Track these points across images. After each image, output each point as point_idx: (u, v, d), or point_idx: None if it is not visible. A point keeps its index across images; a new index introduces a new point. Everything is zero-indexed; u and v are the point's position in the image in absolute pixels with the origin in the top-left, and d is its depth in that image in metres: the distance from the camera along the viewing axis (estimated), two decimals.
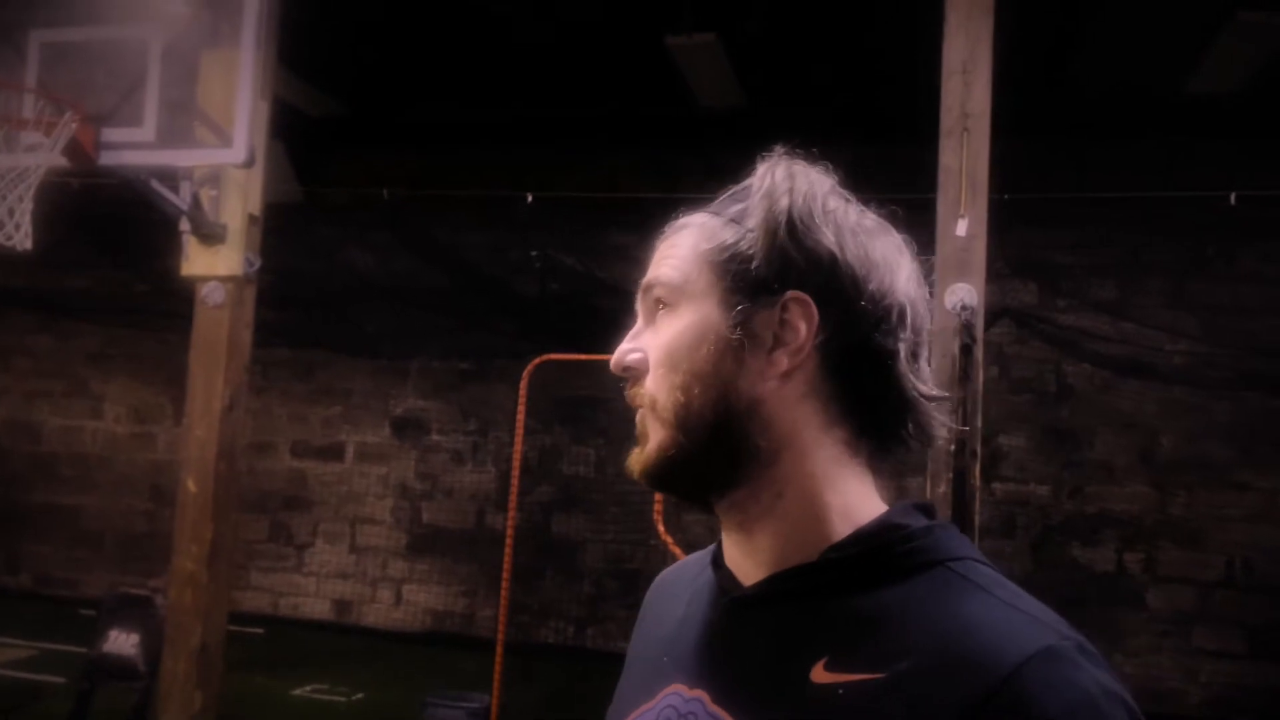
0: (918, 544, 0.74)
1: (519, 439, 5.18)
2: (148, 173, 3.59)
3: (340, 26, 6.03)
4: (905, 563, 0.73)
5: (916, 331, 0.79)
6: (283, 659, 7.19)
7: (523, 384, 5.14)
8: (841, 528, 0.76)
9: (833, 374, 0.77)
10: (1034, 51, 5.60)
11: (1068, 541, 7.15)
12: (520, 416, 5.15)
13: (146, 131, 3.42)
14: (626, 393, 0.83)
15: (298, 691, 6.44)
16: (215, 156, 3.56)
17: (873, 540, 0.75)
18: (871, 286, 0.77)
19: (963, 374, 3.27)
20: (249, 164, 3.50)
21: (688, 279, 0.80)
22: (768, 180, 0.80)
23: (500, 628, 5.05)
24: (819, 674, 0.70)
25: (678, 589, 0.92)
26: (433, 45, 6.45)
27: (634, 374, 0.82)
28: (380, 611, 8.33)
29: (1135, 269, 7.12)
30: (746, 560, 0.80)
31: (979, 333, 3.31)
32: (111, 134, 3.42)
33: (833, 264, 0.77)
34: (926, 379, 0.79)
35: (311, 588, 8.53)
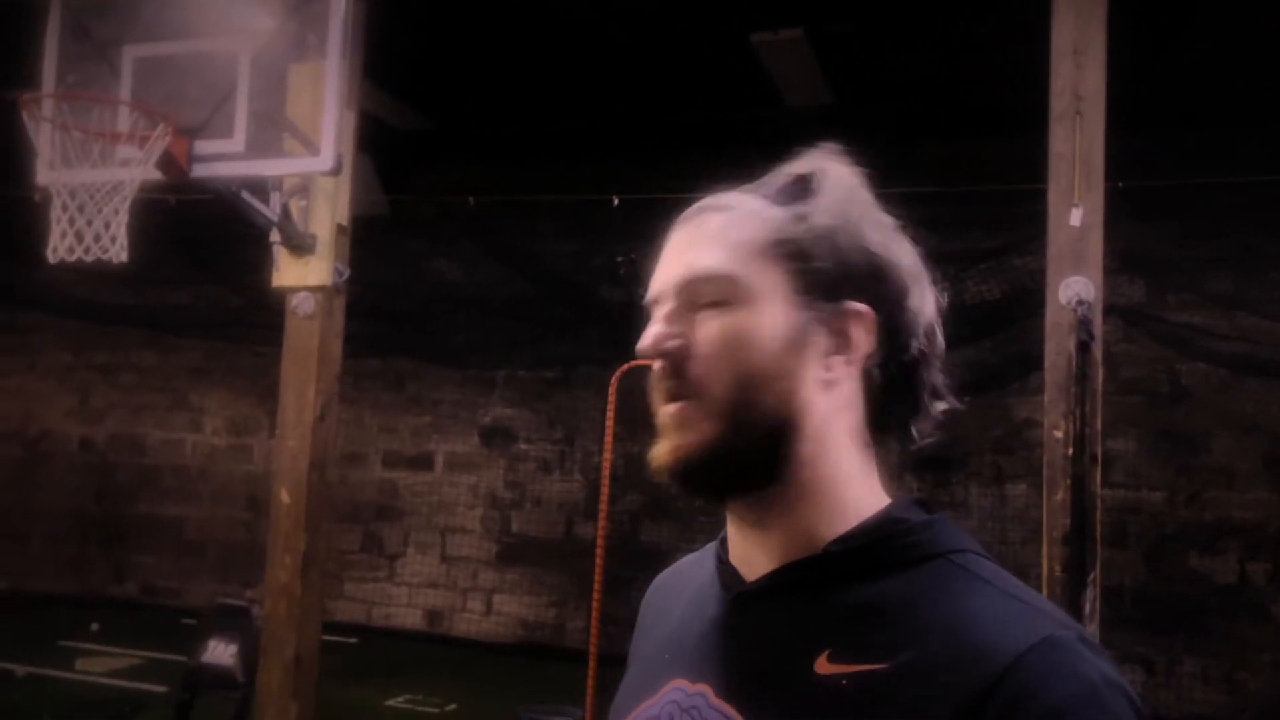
0: (919, 537, 0.75)
1: (608, 447, 5.10)
2: (238, 184, 3.61)
3: (424, 39, 6.06)
4: (907, 555, 0.74)
5: (939, 349, 0.81)
6: (376, 669, 7.24)
7: (611, 391, 5.06)
8: (846, 524, 0.77)
9: (869, 382, 0.79)
10: (1143, 34, 5.32)
11: (1185, 550, 6.78)
12: (609, 425, 5.07)
13: (236, 143, 3.44)
14: (660, 379, 0.79)
15: (391, 702, 6.46)
16: (303, 165, 3.56)
17: (874, 533, 0.76)
18: (910, 301, 0.78)
19: (1079, 372, 3.07)
20: (336, 172, 3.49)
21: (750, 273, 0.78)
22: (836, 181, 0.79)
23: (593, 638, 4.96)
24: (823, 666, 0.71)
25: (677, 588, 0.92)
26: (515, 54, 6.44)
27: (671, 360, 0.79)
28: (471, 621, 8.34)
29: (1252, 261, 6.72)
30: (755, 555, 0.80)
31: (1097, 329, 3.10)
32: (203, 146, 3.44)
33: (886, 276, 0.78)
34: (944, 388, 0.81)
35: (403, 597, 8.60)
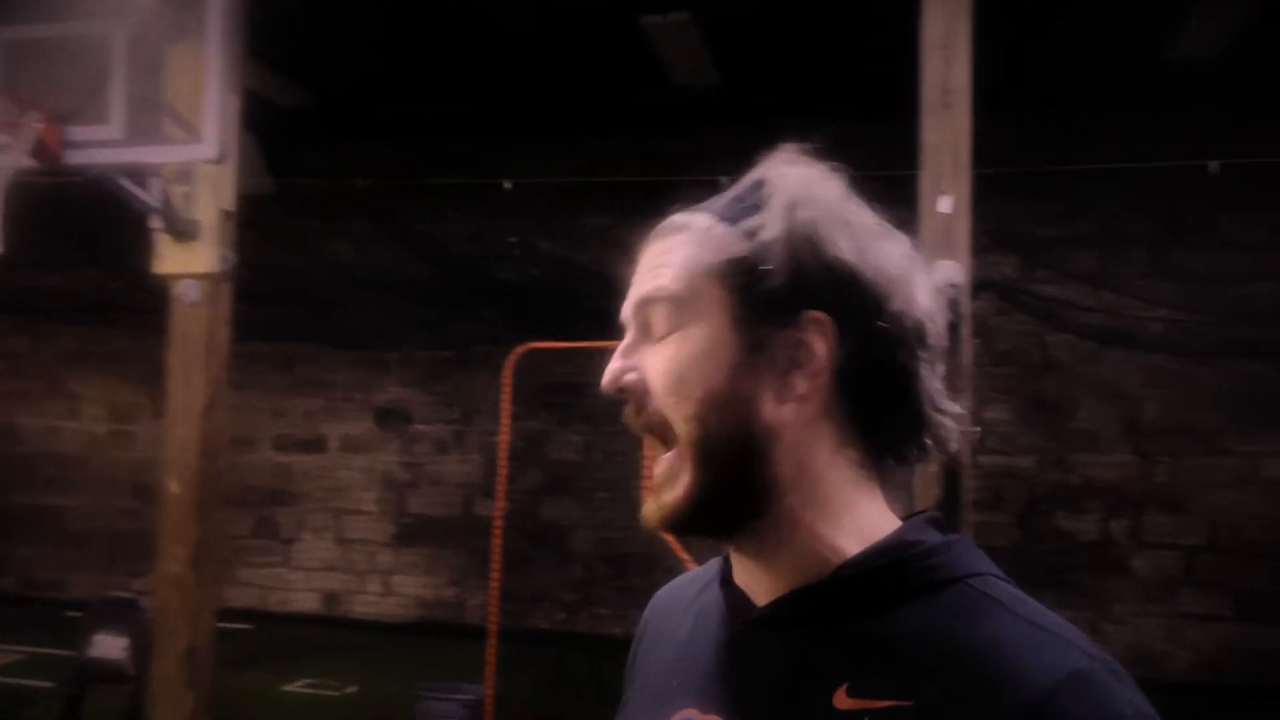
0: (936, 560, 0.71)
1: (505, 426, 5.15)
2: (117, 170, 3.51)
3: (311, 14, 5.93)
4: (923, 580, 0.70)
5: (934, 348, 0.75)
6: (274, 655, 7.16)
7: (507, 372, 5.11)
8: (853, 546, 0.73)
9: (849, 395, 0.73)
10: (1013, 23, 5.57)
11: (1054, 512, 7.19)
12: (506, 404, 5.12)
13: (114, 129, 3.34)
14: (627, 416, 0.77)
15: (290, 687, 6.42)
16: (186, 153, 3.49)
17: (887, 557, 0.72)
18: (891, 305, 0.72)
19: (949, 351, 3.26)
20: (220, 160, 3.43)
21: (695, 294, 0.74)
22: (783, 187, 0.75)
23: (493, 615, 5.03)
24: (842, 700, 0.68)
25: (679, 607, 0.88)
26: (406, 33, 6.36)
27: (631, 396, 0.77)
28: (369, 603, 8.30)
29: (1115, 239, 7.13)
30: (760, 581, 0.77)
31: (965, 309, 3.29)
32: (78, 133, 3.34)
33: (854, 282, 0.72)
34: (943, 394, 0.75)
35: (300, 581, 8.50)
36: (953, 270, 3.32)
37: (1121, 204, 6.97)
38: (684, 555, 4.70)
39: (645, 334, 0.77)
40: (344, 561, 8.41)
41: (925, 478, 3.25)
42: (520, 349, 5.18)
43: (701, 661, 0.79)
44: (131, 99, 3.42)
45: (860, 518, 0.74)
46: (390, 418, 8.44)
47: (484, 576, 7.66)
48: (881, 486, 0.76)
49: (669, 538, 4.93)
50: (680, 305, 0.75)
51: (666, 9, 5.66)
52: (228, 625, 5.91)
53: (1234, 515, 6.90)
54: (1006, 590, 0.70)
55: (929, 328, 0.74)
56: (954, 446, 0.77)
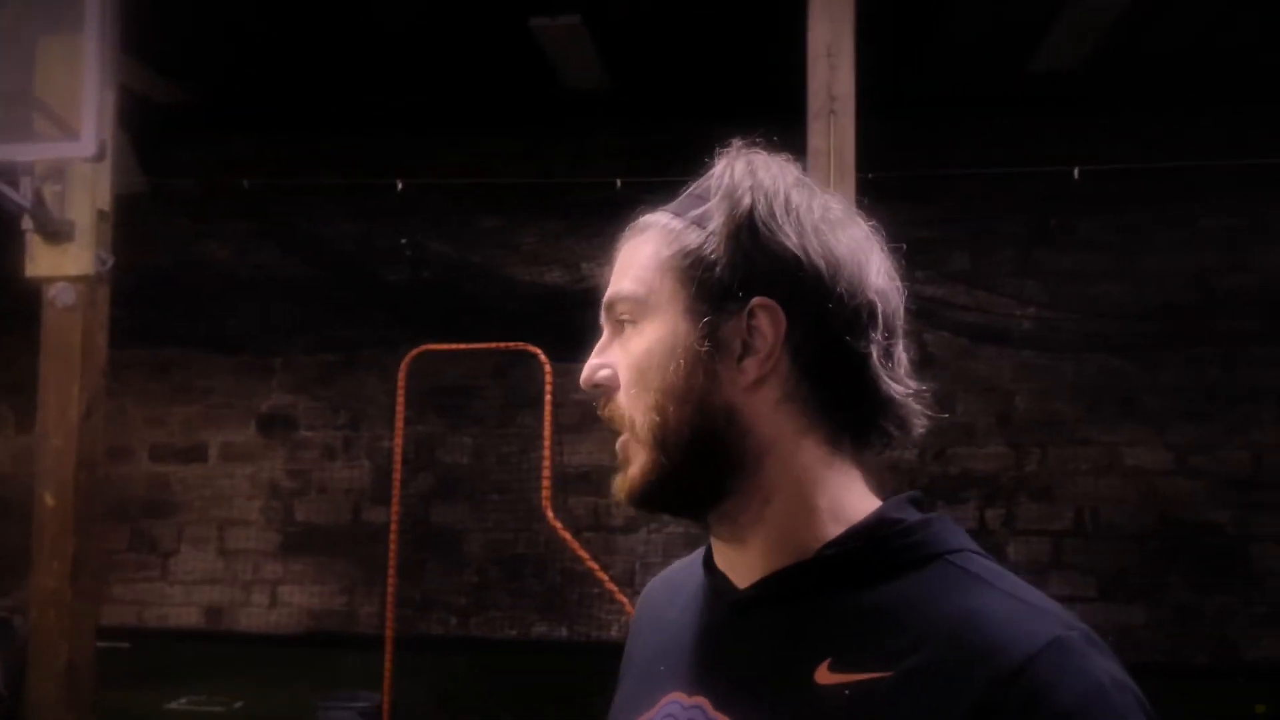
0: (916, 538, 0.73)
1: (399, 430, 5.08)
2: None
3: (185, 8, 5.73)
4: (904, 557, 0.72)
5: (889, 328, 0.76)
6: (153, 672, 6.88)
7: (401, 374, 5.05)
8: (834, 526, 0.75)
9: (807, 377, 0.75)
10: (892, 33, 5.79)
11: (933, 502, 7.48)
12: (400, 408, 5.06)
13: None
14: (600, 411, 0.80)
15: (172, 704, 6.18)
16: (61, 150, 3.34)
17: (869, 535, 0.74)
18: (840, 287, 0.74)
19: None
20: (99, 158, 3.30)
21: (651, 290, 0.78)
22: (727, 178, 0.77)
23: (389, 623, 4.96)
24: (823, 675, 0.69)
25: (668, 595, 0.90)
26: (286, 26, 6.21)
27: (604, 391, 0.80)
28: (255, 615, 8.05)
29: (986, 240, 7.47)
30: (740, 563, 0.79)
31: None
32: None
33: (797, 266, 0.74)
34: (901, 375, 0.77)
35: (179, 596, 8.18)
36: None
37: (992, 206, 7.31)
38: (583, 554, 4.73)
39: (616, 333, 0.81)
40: (227, 574, 8.13)
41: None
42: (413, 351, 5.12)
43: (687, 645, 0.80)
44: (1, 93, 3.26)
45: (836, 498, 0.76)
46: (274, 424, 8.21)
47: (374, 584, 7.53)
48: (860, 468, 0.78)
49: (566, 535, 4.92)
50: (639, 303, 0.78)
51: (556, 11, 5.68)
52: (104, 644, 5.65)
53: (1097, 501, 7.31)
54: (986, 565, 0.73)
55: (881, 309, 0.75)
56: (918, 428, 0.79)
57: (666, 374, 0.76)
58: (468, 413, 7.74)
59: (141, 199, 6.71)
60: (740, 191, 0.76)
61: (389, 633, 4.92)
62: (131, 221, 5.10)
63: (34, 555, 3.87)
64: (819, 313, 0.74)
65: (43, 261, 3.83)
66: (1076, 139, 6.83)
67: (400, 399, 4.98)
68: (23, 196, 3.57)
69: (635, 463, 0.78)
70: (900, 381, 0.77)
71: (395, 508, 5.05)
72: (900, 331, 0.78)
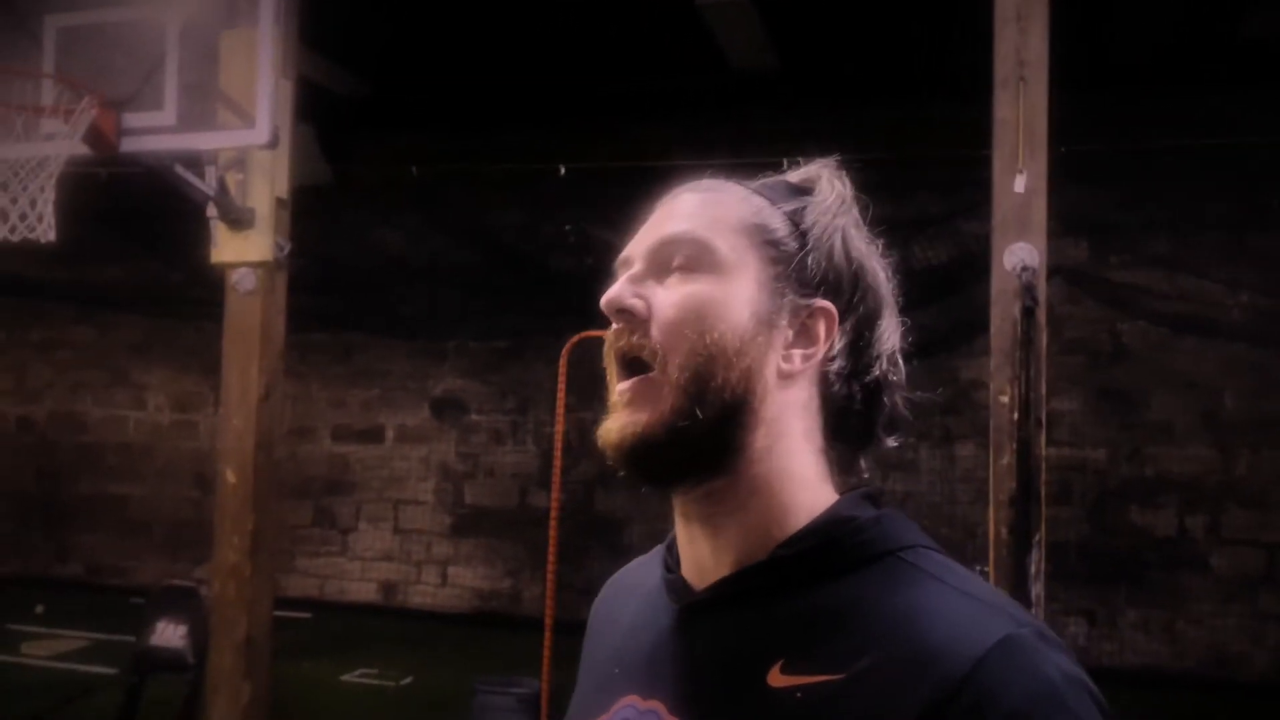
0: (867, 535, 0.73)
1: (560, 417, 5.07)
2: (171, 158, 3.50)
3: (367, 4, 5.91)
4: (855, 555, 0.72)
5: (901, 380, 0.80)
6: (330, 644, 7.20)
7: (562, 361, 5.03)
8: (796, 523, 0.75)
9: (826, 389, 0.77)
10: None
11: (1126, 506, 6.95)
12: (561, 394, 5.05)
13: (168, 116, 3.32)
14: (618, 343, 0.78)
15: (346, 676, 6.44)
16: (238, 138, 3.46)
17: (822, 535, 0.74)
18: (882, 323, 0.79)
19: (1024, 337, 3.10)
20: (272, 145, 3.40)
21: (729, 246, 0.77)
22: (832, 190, 0.80)
23: (548, 607, 4.97)
24: (775, 678, 0.69)
25: (624, 594, 0.90)
26: (458, 20, 6.31)
27: (629, 319, 0.77)
28: (426, 593, 8.32)
29: (1190, 223, 6.85)
30: (705, 559, 0.78)
31: (1041, 294, 3.13)
32: (132, 119, 3.33)
33: (866, 290, 0.78)
34: (901, 420, 0.81)
35: (356, 571, 8.54)
36: (1027, 253, 3.16)
37: (1197, 186, 6.69)
38: None
39: (659, 271, 0.78)
40: (401, 552, 8.43)
41: (999, 470, 3.10)
42: (574, 338, 5.10)
43: (643, 648, 0.80)
44: (185, 85, 3.40)
45: (809, 498, 0.76)
46: (446, 408, 8.44)
47: (539, 568, 7.62)
48: (832, 471, 0.79)
49: None
50: (709, 250, 0.77)
51: None
52: (286, 614, 5.94)
53: None
54: (936, 560, 0.72)
55: (899, 358, 0.80)
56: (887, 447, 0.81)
57: (727, 328, 0.75)
58: None
59: (324, 190, 7.00)
60: (846, 205, 0.80)
61: (548, 619, 4.92)
62: (316, 211, 5.30)
63: (216, 530, 4.05)
64: (861, 337, 0.78)
65: (226, 248, 3.99)
66: None
67: (561, 386, 4.96)
68: (208, 185, 3.72)
69: (648, 406, 0.75)
70: (894, 423, 0.80)
71: (556, 494, 5.05)
72: (902, 382, 0.81)
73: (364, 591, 8.47)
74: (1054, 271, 6.74)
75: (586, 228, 7.05)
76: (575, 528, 7.52)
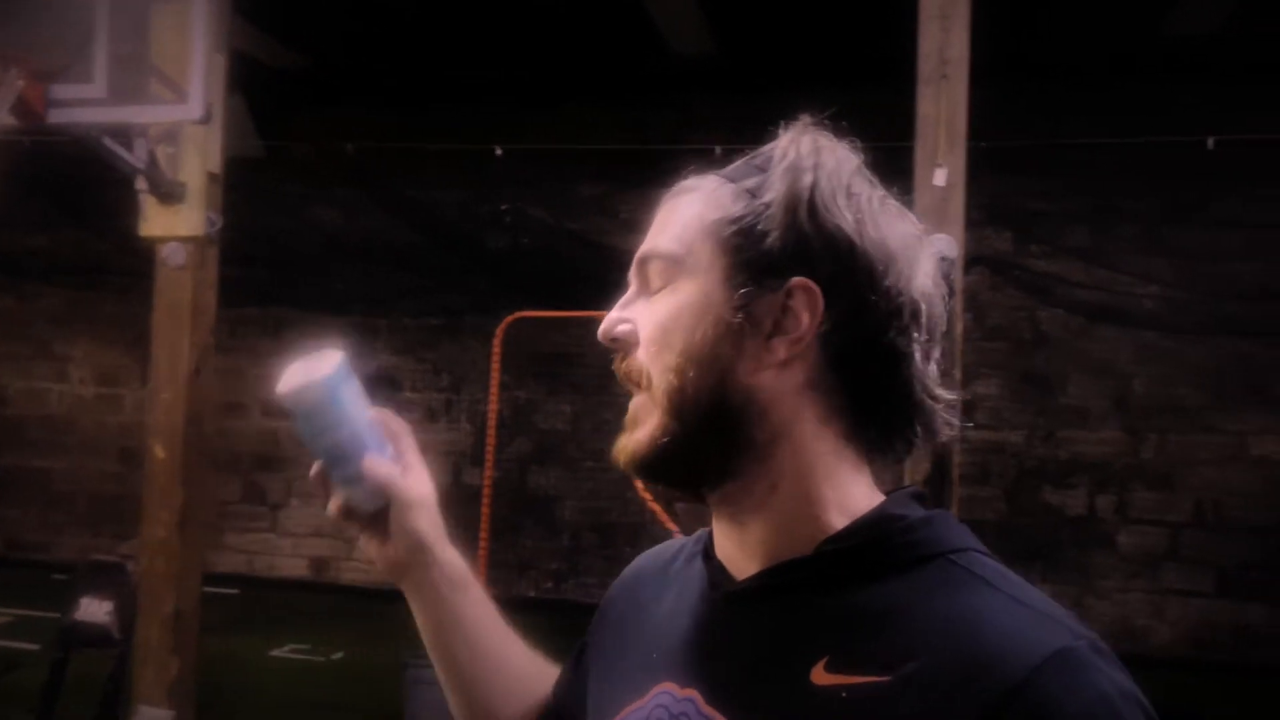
0: (917, 535, 0.71)
1: (494, 395, 5.12)
2: (101, 130, 3.46)
3: None
4: (905, 555, 0.70)
5: (931, 332, 0.73)
6: (260, 620, 7.17)
7: (496, 341, 5.08)
8: (838, 521, 0.72)
9: (836, 367, 0.72)
10: None
11: (1041, 486, 7.22)
12: (495, 373, 5.10)
13: (98, 88, 3.29)
14: (615, 365, 0.79)
15: (276, 652, 6.43)
16: (170, 113, 3.44)
17: (870, 532, 0.71)
18: (887, 281, 0.71)
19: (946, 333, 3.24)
20: (205, 120, 3.38)
21: (689, 251, 0.75)
22: (792, 153, 0.74)
23: (481, 584, 5.03)
24: (819, 675, 0.67)
25: (658, 577, 0.88)
26: None
27: (622, 346, 0.78)
28: (358, 569, 8.30)
29: (1109, 215, 7.11)
30: (739, 552, 0.76)
31: (958, 284, 3.27)
32: (61, 91, 3.29)
33: (850, 252, 0.71)
34: (933, 381, 0.74)
35: (287, 547, 8.49)
36: (946, 244, 3.30)
37: (1116, 179, 6.94)
38: (671, 525, 4.70)
39: (645, 289, 0.78)
40: (332, 528, 8.39)
41: (914, 451, 3.24)
42: (509, 318, 5.15)
43: (681, 635, 0.78)
44: (116, 58, 3.37)
45: (844, 492, 0.73)
46: (380, 385, 8.41)
47: (473, 545, 7.65)
48: (870, 463, 0.75)
49: (655, 506, 4.90)
50: (675, 262, 0.76)
51: None
52: (214, 590, 5.91)
53: (1219, 492, 6.93)
54: (989, 566, 0.70)
55: (925, 310, 0.73)
56: (942, 435, 0.75)
57: (693, 338, 0.73)
58: (566, 379, 7.78)
59: (258, 163, 6.91)
60: (804, 167, 0.73)
61: None
62: (248, 184, 5.25)
63: (144, 505, 4.03)
64: (861, 303, 0.71)
65: (156, 222, 3.96)
66: (1212, 108, 6.40)
67: (496, 365, 5.01)
68: (137, 158, 3.69)
69: (645, 425, 0.75)
70: (933, 387, 0.74)
71: (489, 471, 5.11)
72: (939, 338, 0.75)
73: (294, 567, 8.43)
74: (978, 260, 6.98)
75: (523, 208, 7.08)
76: (508, 505, 7.58)
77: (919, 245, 0.74)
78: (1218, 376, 6.90)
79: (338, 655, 6.40)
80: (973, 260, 6.89)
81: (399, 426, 0.95)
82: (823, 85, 6.83)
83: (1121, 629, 6.88)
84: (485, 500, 5.08)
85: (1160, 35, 6.20)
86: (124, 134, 3.64)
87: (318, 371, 0.89)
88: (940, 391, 0.74)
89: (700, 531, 0.86)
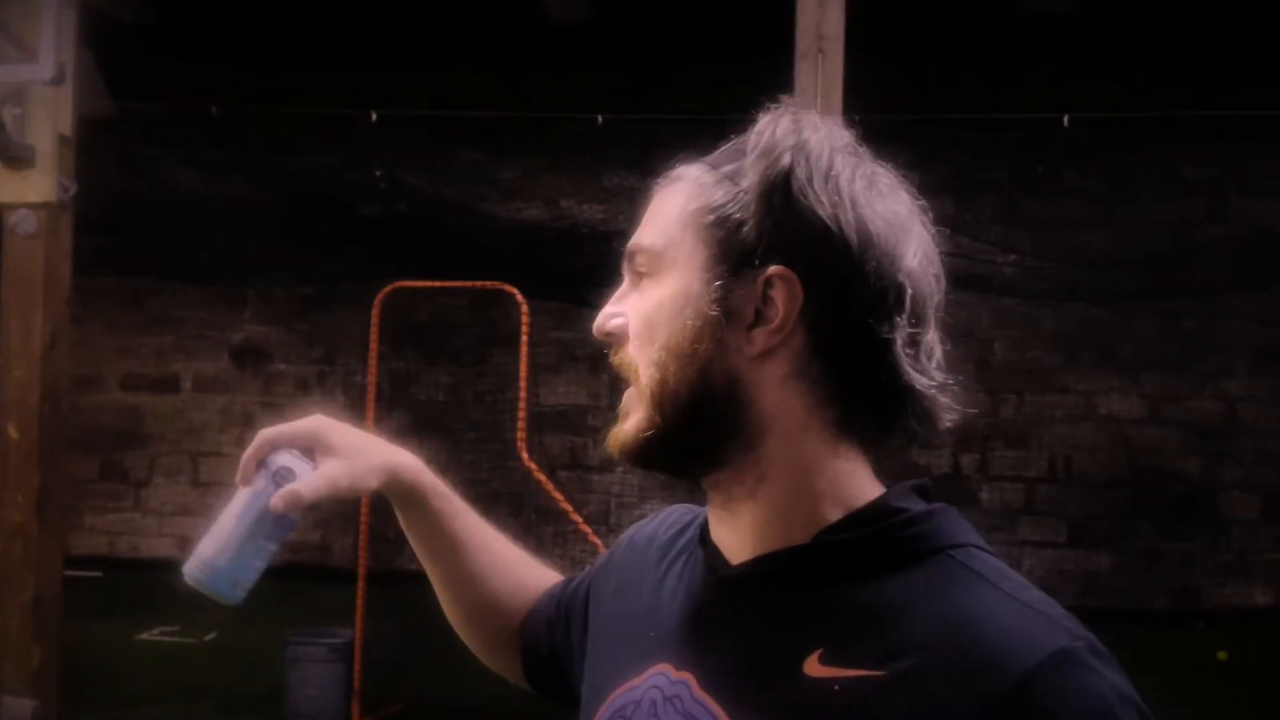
0: (918, 529, 0.70)
1: (373, 367, 5.02)
2: None
3: None
4: (904, 550, 0.70)
5: (918, 314, 0.71)
6: (125, 602, 6.88)
7: (375, 311, 4.97)
8: (834, 512, 0.72)
9: (820, 355, 0.71)
10: None
11: (908, 447, 7.50)
12: (374, 344, 4.99)
13: None
14: (611, 360, 0.78)
15: (145, 635, 6.19)
16: (18, 73, 3.22)
17: (870, 525, 0.71)
18: (869, 265, 0.69)
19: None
20: (59, 81, 3.18)
21: (670, 244, 0.74)
22: (768, 135, 0.72)
23: (361, 559, 4.96)
24: (813, 667, 0.67)
25: (657, 549, 0.87)
26: None
27: (615, 340, 0.78)
28: None
29: (970, 186, 7.40)
30: (733, 538, 0.76)
31: None
32: None
33: (826, 238, 0.69)
34: (927, 365, 0.72)
35: (152, 526, 8.16)
36: None
37: (978, 152, 7.23)
38: (557, 495, 4.72)
39: (635, 283, 0.78)
40: (200, 505, 8.09)
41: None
42: (387, 288, 5.05)
43: (677, 616, 0.78)
44: None
45: (839, 483, 0.73)
46: (248, 356, 8.12)
47: (349, 520, 7.51)
48: (867, 453, 0.75)
49: (541, 477, 4.91)
50: (657, 255, 0.75)
51: None
52: (74, 573, 5.63)
53: (1070, 449, 7.38)
54: (989, 563, 0.69)
55: (911, 293, 0.70)
56: (944, 422, 0.74)
57: (674, 331, 0.73)
58: (444, 349, 7.68)
59: (112, 124, 6.53)
60: (779, 150, 0.71)
61: (361, 569, 4.92)
62: (101, 146, 4.96)
63: None
64: (842, 289, 0.69)
65: (3, 188, 3.72)
66: (1066, 84, 6.73)
67: (374, 335, 4.91)
68: None
69: (633, 417, 0.76)
70: (925, 372, 0.72)
71: None
72: (931, 319, 0.73)
73: (160, 547, 8.10)
74: None
75: (399, 174, 6.90)
76: None
77: (909, 224, 0.73)
78: (1070, 340, 7.32)
79: (210, 636, 6.21)
80: None
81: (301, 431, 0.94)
82: (702, 58, 6.92)
83: None
84: None
85: (1020, 14, 6.47)
86: None
87: (192, 573, 0.89)
88: (935, 374, 0.72)
89: (689, 509, 0.87)
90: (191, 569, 0.88)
